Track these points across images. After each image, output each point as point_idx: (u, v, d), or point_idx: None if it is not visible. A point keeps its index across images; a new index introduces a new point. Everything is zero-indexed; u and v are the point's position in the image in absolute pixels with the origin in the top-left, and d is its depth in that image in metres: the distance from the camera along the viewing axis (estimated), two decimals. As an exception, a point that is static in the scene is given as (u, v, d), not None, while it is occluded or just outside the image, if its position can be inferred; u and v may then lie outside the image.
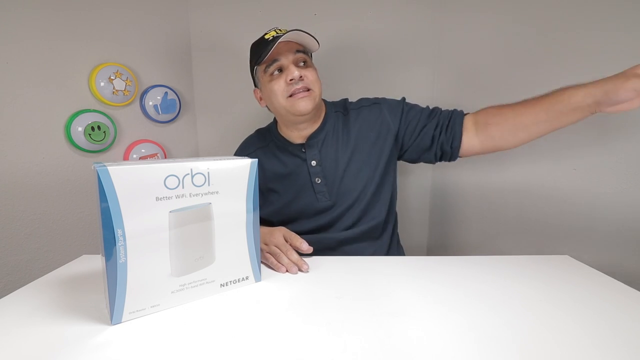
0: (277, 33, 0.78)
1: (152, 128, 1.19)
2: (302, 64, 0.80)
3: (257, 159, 0.59)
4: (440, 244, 1.31)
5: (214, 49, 1.26)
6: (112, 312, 0.49)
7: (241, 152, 0.95)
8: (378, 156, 0.86)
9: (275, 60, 0.79)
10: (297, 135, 0.87)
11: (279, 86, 0.79)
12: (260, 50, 0.78)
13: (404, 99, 0.91)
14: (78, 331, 0.48)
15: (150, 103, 1.15)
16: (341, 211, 0.86)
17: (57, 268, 0.69)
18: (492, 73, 1.06)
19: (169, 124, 1.23)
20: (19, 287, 0.60)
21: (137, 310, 0.51)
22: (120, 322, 0.49)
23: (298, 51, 0.79)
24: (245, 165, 0.58)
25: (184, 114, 1.26)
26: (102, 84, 1.03)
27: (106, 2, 1.05)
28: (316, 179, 0.85)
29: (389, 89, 1.27)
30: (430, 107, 0.88)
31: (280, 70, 0.80)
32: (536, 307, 0.54)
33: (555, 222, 0.94)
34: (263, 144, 0.92)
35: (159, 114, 1.17)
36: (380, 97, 0.92)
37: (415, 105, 0.89)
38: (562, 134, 0.90)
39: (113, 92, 1.05)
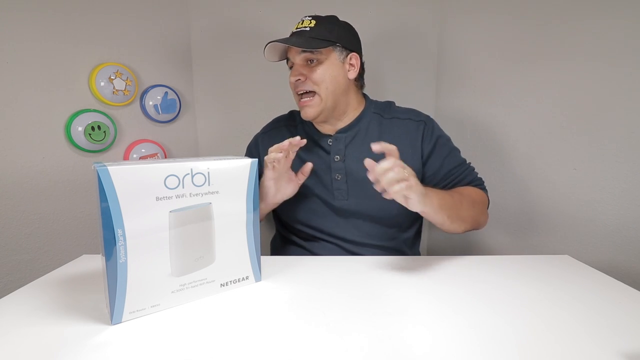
0: (297, 28, 0.80)
1: (152, 128, 1.18)
2: (311, 62, 0.79)
3: (257, 159, 0.59)
4: (440, 244, 1.31)
5: (214, 48, 1.26)
6: (112, 312, 0.49)
7: (271, 126, 0.95)
8: None
9: (288, 58, 0.82)
10: (325, 126, 0.85)
11: (291, 84, 0.82)
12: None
13: (448, 138, 0.87)
14: (78, 331, 0.48)
15: (151, 103, 1.15)
16: (357, 221, 0.82)
17: (57, 268, 0.69)
18: (492, 72, 1.06)
19: (169, 123, 1.23)
20: (19, 287, 0.60)
21: (137, 310, 0.51)
22: (120, 322, 0.49)
23: (304, 51, 0.78)
24: (245, 165, 0.58)
25: (184, 114, 1.26)
26: (102, 83, 1.03)
27: (106, 2, 1.05)
28: (336, 175, 0.82)
29: (389, 89, 1.28)
30: (460, 156, 0.86)
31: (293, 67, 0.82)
32: (536, 306, 0.54)
33: (555, 222, 0.94)
34: (292, 123, 0.92)
35: (159, 113, 1.17)
36: (430, 117, 0.87)
37: (448, 150, 0.84)
38: (562, 133, 0.91)
39: (113, 92, 1.05)
